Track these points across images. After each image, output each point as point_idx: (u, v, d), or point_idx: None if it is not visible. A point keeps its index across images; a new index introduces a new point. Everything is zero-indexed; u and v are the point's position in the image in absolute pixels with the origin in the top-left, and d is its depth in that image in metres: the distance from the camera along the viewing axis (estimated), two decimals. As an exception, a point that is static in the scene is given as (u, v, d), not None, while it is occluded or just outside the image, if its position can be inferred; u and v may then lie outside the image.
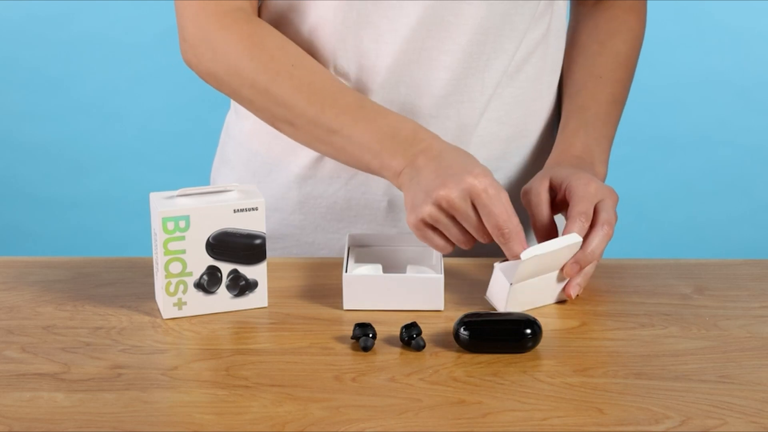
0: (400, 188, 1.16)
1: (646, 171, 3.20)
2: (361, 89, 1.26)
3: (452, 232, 1.13)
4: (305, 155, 1.30)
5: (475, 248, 1.31)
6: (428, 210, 1.11)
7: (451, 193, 1.10)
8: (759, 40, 3.20)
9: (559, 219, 1.39)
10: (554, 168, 1.22)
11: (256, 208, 1.11)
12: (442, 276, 1.13)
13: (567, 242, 1.13)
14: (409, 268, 1.17)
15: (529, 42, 1.29)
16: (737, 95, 3.20)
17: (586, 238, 1.14)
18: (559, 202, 1.20)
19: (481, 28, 1.24)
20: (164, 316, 1.12)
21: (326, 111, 1.19)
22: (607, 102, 1.31)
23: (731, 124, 3.19)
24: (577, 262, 1.13)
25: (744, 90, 3.20)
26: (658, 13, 3.05)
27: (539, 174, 1.22)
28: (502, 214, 1.10)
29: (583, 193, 1.16)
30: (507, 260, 1.13)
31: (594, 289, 1.18)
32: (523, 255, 1.10)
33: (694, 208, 3.18)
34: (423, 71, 1.25)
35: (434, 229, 1.14)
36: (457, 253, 1.30)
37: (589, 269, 1.16)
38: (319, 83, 1.20)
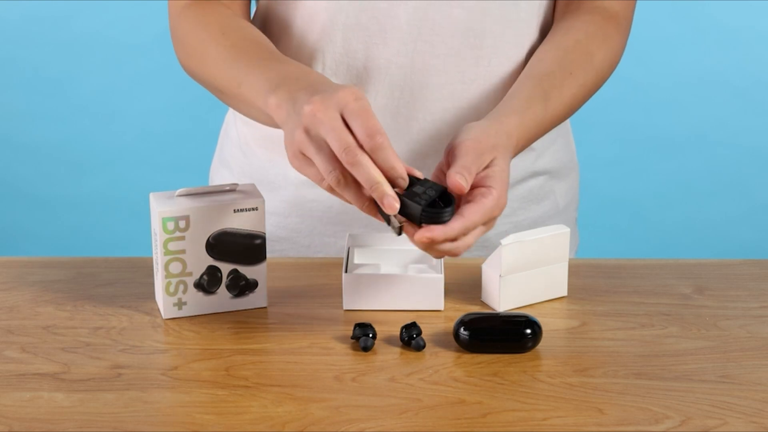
0: (279, 124, 1.08)
1: (644, 171, 3.20)
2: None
3: (319, 159, 1.01)
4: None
5: (476, 249, 1.31)
6: (298, 136, 1.02)
7: (317, 108, 1.01)
8: (758, 40, 3.20)
9: (560, 224, 1.39)
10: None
11: (256, 208, 1.11)
12: (442, 276, 1.13)
13: (552, 231, 1.13)
14: (409, 268, 1.17)
15: (534, 47, 1.26)
16: (736, 95, 3.20)
17: (461, 213, 1.01)
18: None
19: (473, 31, 1.23)
20: (164, 316, 1.12)
21: (236, 66, 1.16)
22: (569, 98, 1.21)
23: (730, 124, 3.19)
24: (432, 239, 1.00)
25: (743, 90, 3.20)
26: (658, 13, 3.06)
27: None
28: (371, 119, 1.00)
29: (472, 145, 1.04)
30: (492, 260, 1.12)
31: (594, 289, 1.18)
32: (504, 241, 1.10)
33: (693, 208, 3.18)
34: (416, 76, 1.24)
35: (310, 160, 1.03)
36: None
37: (448, 247, 1.02)
38: (240, 44, 1.18)
